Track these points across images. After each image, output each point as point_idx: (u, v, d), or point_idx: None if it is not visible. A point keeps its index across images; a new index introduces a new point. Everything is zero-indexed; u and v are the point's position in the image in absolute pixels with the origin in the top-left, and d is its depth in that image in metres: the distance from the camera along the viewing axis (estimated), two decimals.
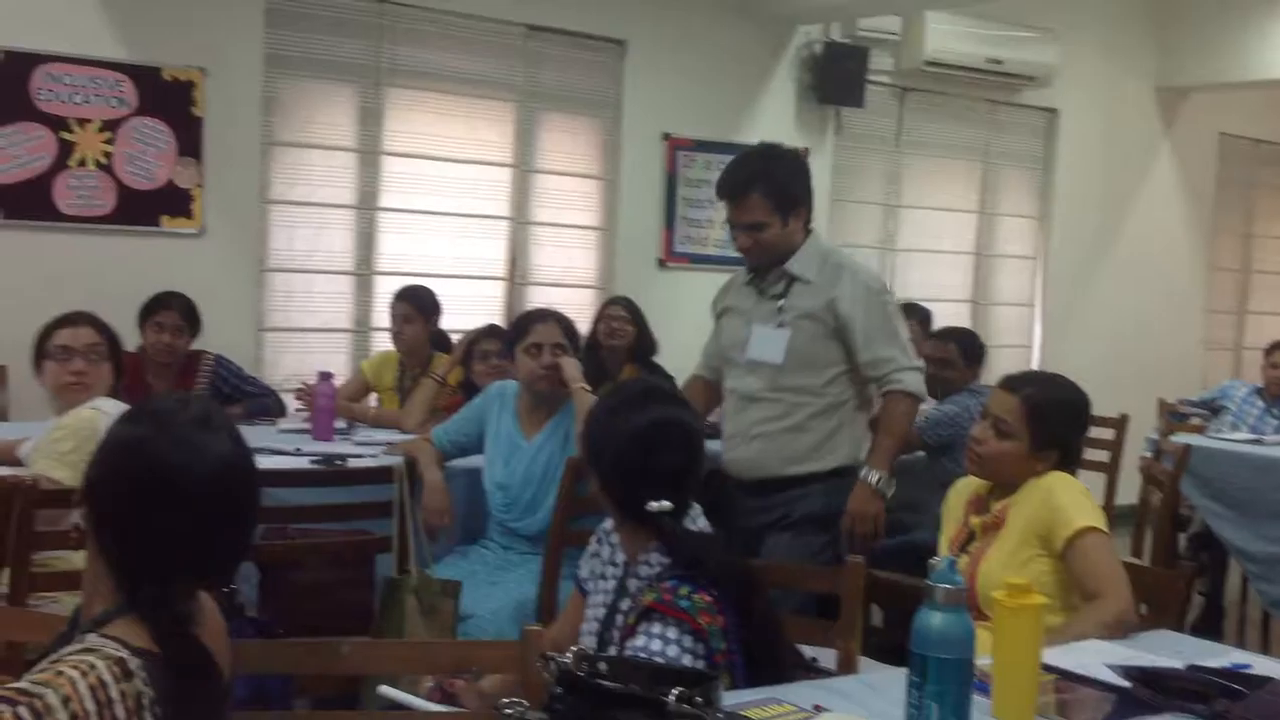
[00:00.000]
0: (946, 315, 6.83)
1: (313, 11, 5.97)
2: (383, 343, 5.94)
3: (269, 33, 5.83)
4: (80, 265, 5.38)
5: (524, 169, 6.67)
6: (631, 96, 6.92)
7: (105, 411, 3.27)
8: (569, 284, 6.87)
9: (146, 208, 5.59)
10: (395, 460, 3.87)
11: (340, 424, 4.77)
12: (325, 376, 4.75)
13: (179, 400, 1.82)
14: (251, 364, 5.59)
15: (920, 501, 4.47)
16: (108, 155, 5.49)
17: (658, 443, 2.26)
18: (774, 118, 7.37)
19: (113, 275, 5.34)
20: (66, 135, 5.40)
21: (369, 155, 6.22)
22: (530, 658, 1.88)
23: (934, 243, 8.20)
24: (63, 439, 3.29)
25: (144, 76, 5.54)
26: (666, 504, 2.21)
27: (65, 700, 1.49)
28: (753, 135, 7.22)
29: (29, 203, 5.33)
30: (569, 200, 6.88)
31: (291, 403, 5.16)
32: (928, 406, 5.24)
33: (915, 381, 3.59)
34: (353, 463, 4.06)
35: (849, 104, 7.47)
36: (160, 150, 5.60)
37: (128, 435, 1.72)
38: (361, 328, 6.29)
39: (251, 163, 5.84)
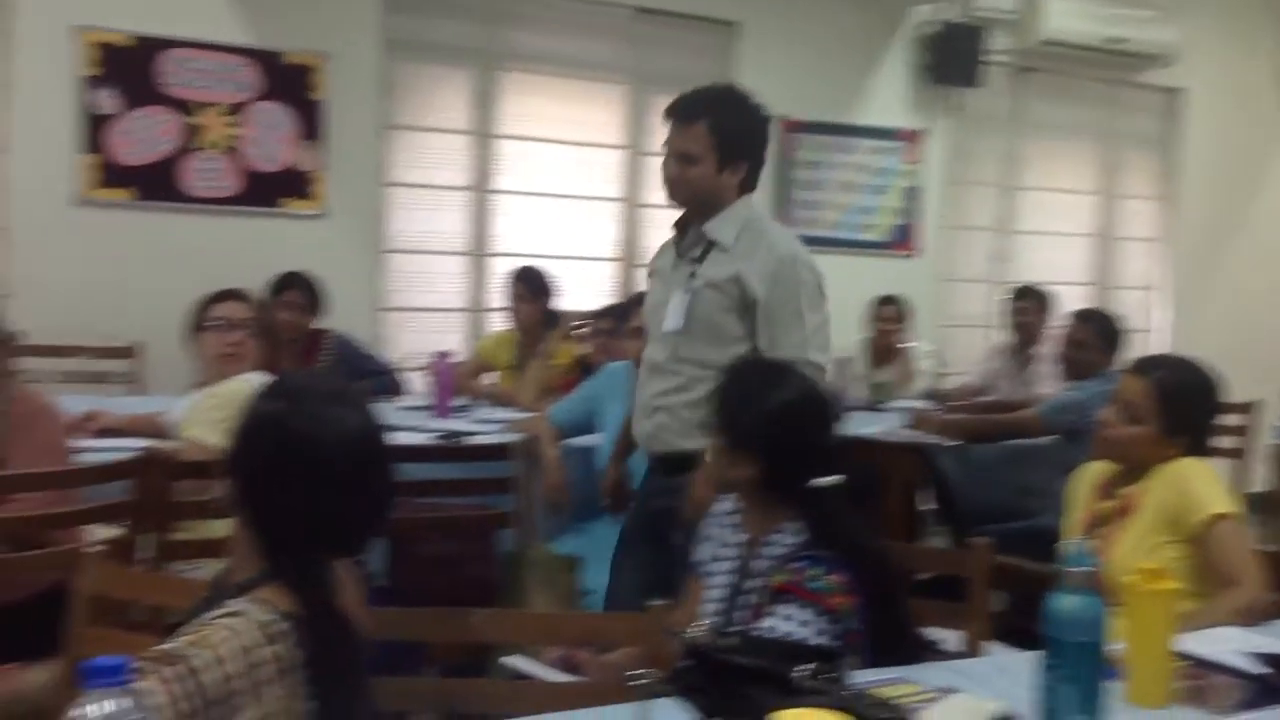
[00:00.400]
0: (1067, 299, 6.70)
1: None
2: (498, 322, 6.02)
3: (387, 17, 5.92)
4: (207, 245, 5.52)
5: (635, 151, 6.69)
6: (743, 78, 6.87)
7: (254, 383, 3.37)
8: None
9: (269, 189, 5.72)
10: (515, 437, 3.92)
11: (459, 401, 4.85)
12: (444, 355, 4.84)
13: (313, 376, 1.87)
14: (370, 343, 5.69)
15: (1043, 486, 4.39)
16: (232, 138, 5.62)
17: (812, 417, 2.25)
18: (887, 99, 7.29)
19: (238, 255, 5.47)
20: (193, 119, 5.54)
21: (483, 138, 6.29)
22: (657, 631, 1.89)
23: (1053, 225, 8.05)
24: (217, 407, 3.38)
25: (266, 61, 5.66)
26: (835, 479, 2.20)
27: (216, 661, 1.54)
28: (866, 117, 7.18)
29: (158, 185, 5.49)
30: None
31: (413, 381, 5.25)
32: (1051, 391, 5.15)
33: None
34: (473, 439, 4.13)
35: (965, 84, 7.35)
36: (282, 133, 5.72)
37: (266, 411, 1.77)
38: (476, 308, 6.37)
39: (370, 145, 5.94)
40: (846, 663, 1.73)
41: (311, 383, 1.87)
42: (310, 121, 5.76)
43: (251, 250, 5.53)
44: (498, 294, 5.85)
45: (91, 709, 1.12)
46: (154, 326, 4.98)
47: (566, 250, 6.44)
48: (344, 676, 1.68)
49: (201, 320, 3.66)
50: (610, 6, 6.47)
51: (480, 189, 6.32)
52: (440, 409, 4.68)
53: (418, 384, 5.41)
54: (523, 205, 6.43)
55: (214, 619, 1.62)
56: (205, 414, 3.44)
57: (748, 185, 3.23)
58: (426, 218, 6.20)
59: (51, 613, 2.82)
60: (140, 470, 3.03)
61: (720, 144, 3.14)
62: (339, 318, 5.36)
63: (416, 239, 6.18)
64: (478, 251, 6.34)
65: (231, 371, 3.55)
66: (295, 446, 1.72)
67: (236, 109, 5.62)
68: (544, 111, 6.45)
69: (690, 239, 3.24)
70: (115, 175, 5.41)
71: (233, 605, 1.64)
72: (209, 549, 3.08)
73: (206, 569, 2.91)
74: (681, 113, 3.18)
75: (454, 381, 4.85)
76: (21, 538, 2.93)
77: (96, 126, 5.36)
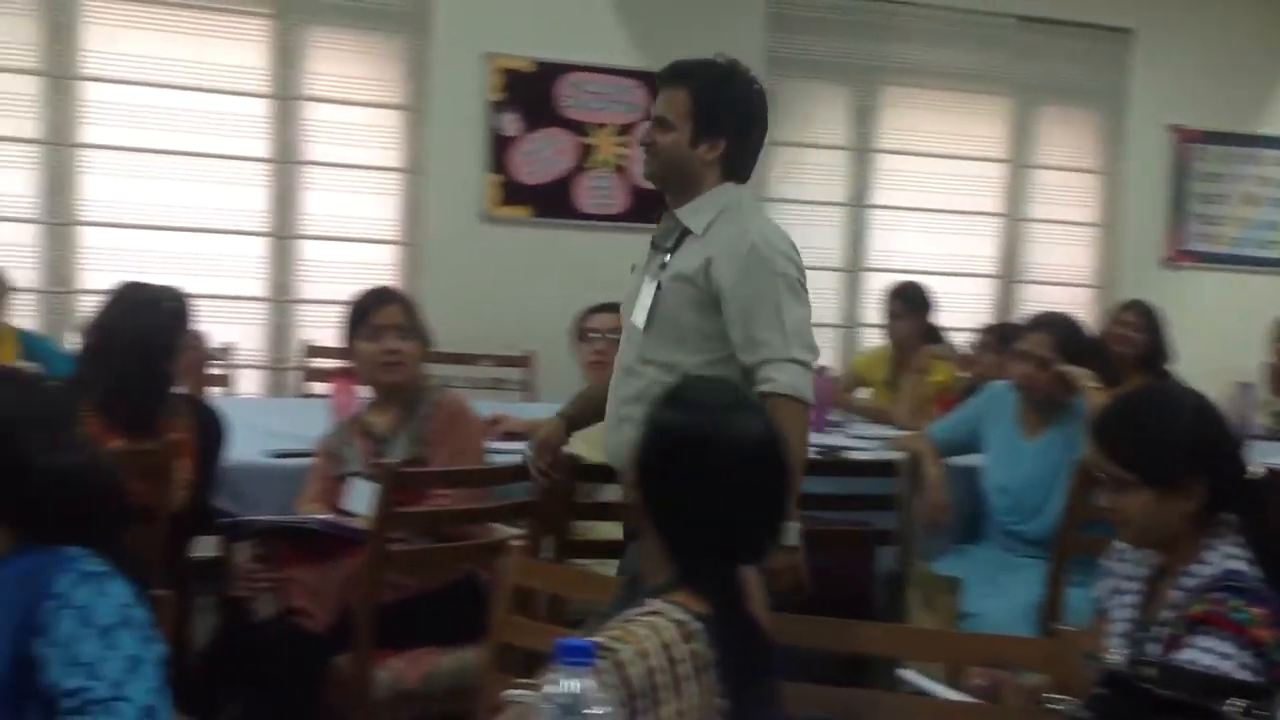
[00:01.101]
0: None
1: (811, 14, 6.13)
2: (871, 338, 6.01)
3: (769, 35, 6.04)
4: (596, 260, 5.77)
5: (1017, 164, 6.53)
6: (1135, 87, 6.60)
7: None
8: (1063, 282, 6.65)
9: (654, 206, 5.90)
10: (899, 455, 3.90)
11: (833, 416, 4.87)
12: (820, 370, 4.86)
13: (713, 385, 1.94)
14: None
15: None
16: (621, 157, 5.88)
17: (1223, 419, 2.16)
18: None
19: (624, 269, 5.65)
20: (586, 139, 5.83)
21: (862, 153, 6.30)
22: (1071, 656, 1.85)
23: None
24: None
25: (653, 82, 5.86)
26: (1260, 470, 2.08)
27: (640, 655, 1.63)
28: (1273, 125, 6.73)
29: (554, 202, 5.81)
30: (1065, 196, 6.67)
31: None
32: None
33: (792, 379, 2.71)
34: (850, 455, 4.14)
35: None
36: None
37: (673, 421, 1.84)
38: (850, 323, 6.38)
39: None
40: (1275, 699, 1.63)
41: (713, 391, 1.93)
42: None
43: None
44: (873, 309, 5.85)
45: (563, 685, 1.20)
46: (546, 337, 5.26)
47: (943, 266, 6.35)
48: (754, 677, 1.74)
49: (579, 331, 3.88)
50: (995, 16, 6.35)
51: (857, 204, 6.33)
52: (816, 423, 4.69)
53: None
54: (899, 220, 6.40)
55: (635, 616, 1.70)
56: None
57: (736, 172, 2.87)
58: (803, 233, 6.24)
59: (461, 601, 3.05)
60: None
61: (697, 113, 2.81)
62: None
63: None
64: (853, 267, 6.36)
65: (600, 378, 3.73)
66: (703, 455, 1.79)
67: (625, 129, 5.87)
68: (923, 125, 6.40)
69: (664, 226, 2.92)
70: (515, 193, 5.76)
71: (651, 605, 1.72)
72: (604, 549, 3.24)
73: (603, 568, 3.06)
74: (666, 77, 2.92)
75: (829, 396, 4.87)
76: (441, 531, 3.17)
77: (500, 147, 5.72)
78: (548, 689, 1.21)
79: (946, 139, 6.42)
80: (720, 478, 1.78)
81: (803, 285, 2.80)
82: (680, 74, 2.87)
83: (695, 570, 1.77)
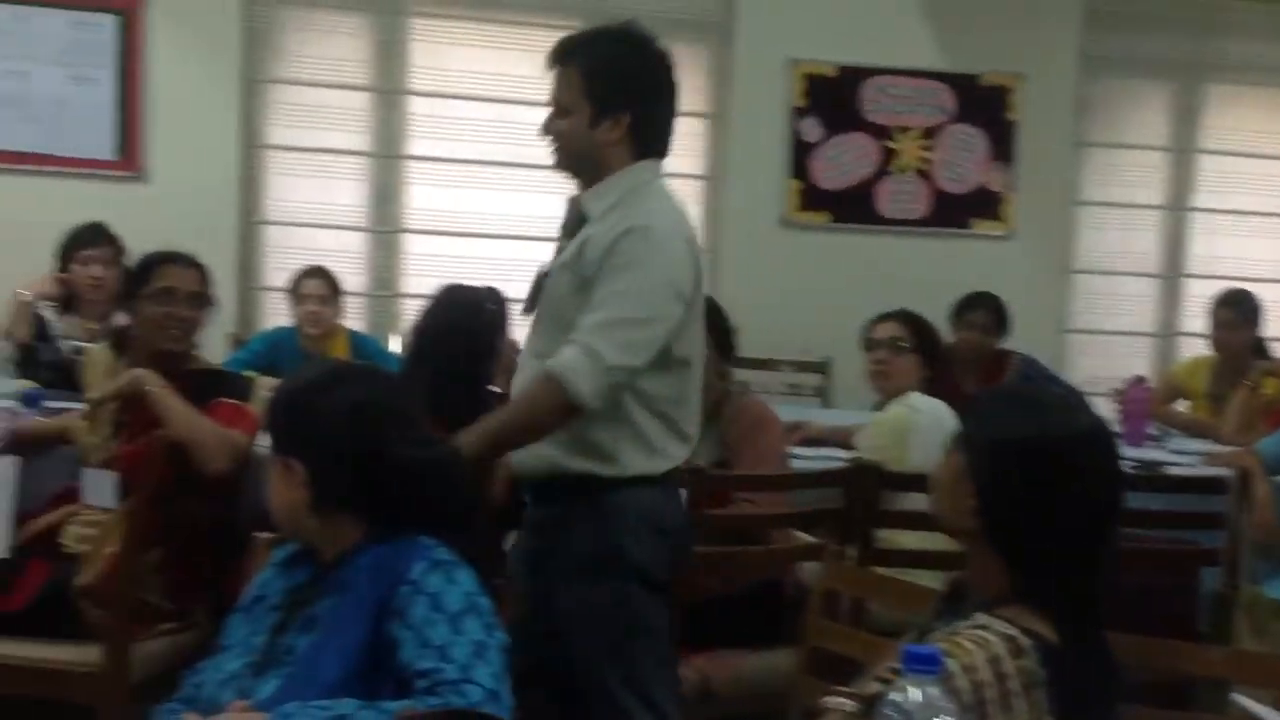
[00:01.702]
0: None
1: (1133, 10, 5.89)
2: (1191, 348, 5.71)
3: (1087, 35, 5.83)
4: (896, 265, 5.72)
5: None
6: None
7: (915, 409, 3.49)
8: None
9: (958, 211, 5.83)
10: (1226, 472, 3.70)
11: (1151, 429, 4.66)
12: (1138, 380, 4.67)
13: (1039, 388, 1.87)
14: (1053, 365, 5.61)
15: None
16: (925, 161, 5.78)
17: None
18: None
19: (925, 275, 5.59)
20: (889, 143, 5.76)
21: (1182, 153, 6.02)
22: None
23: None
24: (876, 435, 3.55)
25: (962, 84, 5.77)
26: None
27: (966, 669, 1.59)
28: None
29: (854, 207, 5.77)
30: None
31: (1098, 406, 5.11)
32: None
33: (575, 363, 2.34)
34: (1170, 470, 3.95)
35: None
36: (974, 155, 5.80)
37: (1013, 429, 1.77)
38: (1166, 332, 6.08)
39: (1062, 164, 5.87)
40: None
41: (1041, 393, 1.88)
42: (1003, 142, 5.79)
43: (938, 270, 5.64)
44: (1192, 318, 5.56)
45: (911, 693, 1.20)
46: (843, 343, 5.22)
47: (1272, 272, 5.98)
48: (1094, 702, 1.67)
49: (865, 338, 3.85)
50: None
51: (1177, 207, 6.03)
52: (1133, 436, 4.51)
53: (1103, 409, 5.25)
54: (1223, 224, 6.06)
55: (963, 630, 1.66)
56: (869, 440, 3.60)
57: (648, 148, 2.54)
58: (1118, 237, 6.04)
59: (762, 605, 3.07)
60: (850, 479, 3.19)
61: (592, 90, 2.49)
62: (1021, 338, 5.33)
63: (1106, 259, 6.03)
64: (1171, 273, 6.06)
65: (880, 389, 3.71)
66: (1048, 463, 1.72)
67: (930, 132, 5.78)
68: (1250, 124, 6.05)
69: (569, 212, 2.62)
70: (815, 199, 5.75)
71: (979, 619, 1.68)
72: (906, 558, 3.19)
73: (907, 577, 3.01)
74: (554, 56, 2.57)
75: (1147, 409, 4.66)
76: (744, 534, 3.20)
77: (801, 153, 5.73)
78: (893, 695, 1.21)
79: (1276, 138, 6.04)
80: (1066, 486, 1.71)
81: (672, 287, 2.43)
82: (567, 51, 2.56)
83: (1033, 586, 1.71)
